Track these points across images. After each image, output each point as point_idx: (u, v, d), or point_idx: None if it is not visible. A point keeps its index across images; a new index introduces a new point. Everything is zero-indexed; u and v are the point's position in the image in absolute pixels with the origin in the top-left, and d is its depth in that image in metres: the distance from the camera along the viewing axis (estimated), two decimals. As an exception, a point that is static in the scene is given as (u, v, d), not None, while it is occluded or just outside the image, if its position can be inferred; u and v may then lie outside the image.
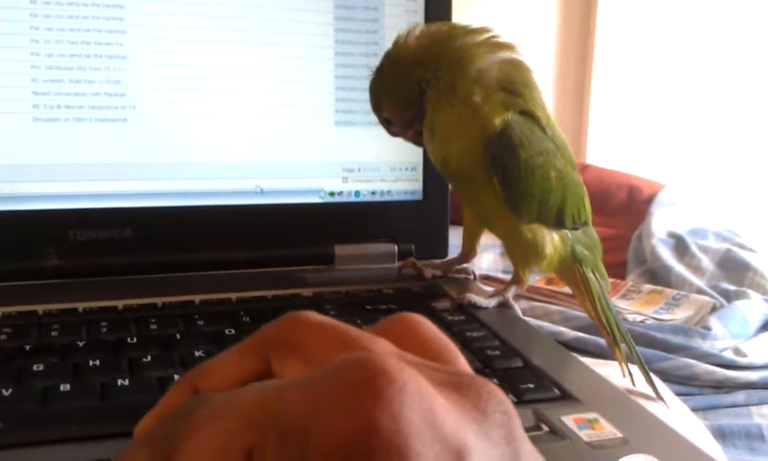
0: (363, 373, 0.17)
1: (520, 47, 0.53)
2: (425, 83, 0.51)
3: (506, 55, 0.52)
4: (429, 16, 0.63)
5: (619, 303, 0.95)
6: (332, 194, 0.63)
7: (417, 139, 0.55)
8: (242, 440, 0.17)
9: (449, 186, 0.62)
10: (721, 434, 0.71)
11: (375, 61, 0.54)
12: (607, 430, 0.35)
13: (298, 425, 0.16)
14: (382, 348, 0.19)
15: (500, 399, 0.18)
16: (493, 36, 0.52)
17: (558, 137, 0.52)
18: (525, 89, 0.51)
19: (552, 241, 0.53)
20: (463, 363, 0.21)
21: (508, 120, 0.50)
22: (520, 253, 0.54)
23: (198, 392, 0.21)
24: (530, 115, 0.51)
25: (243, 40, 0.60)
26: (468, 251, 0.60)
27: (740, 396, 0.77)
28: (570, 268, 0.54)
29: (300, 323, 0.21)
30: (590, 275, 0.54)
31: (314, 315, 0.21)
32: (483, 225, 0.58)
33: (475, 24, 0.53)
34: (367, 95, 0.55)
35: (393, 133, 0.56)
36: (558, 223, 0.52)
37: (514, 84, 0.51)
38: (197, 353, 0.43)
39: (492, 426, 0.18)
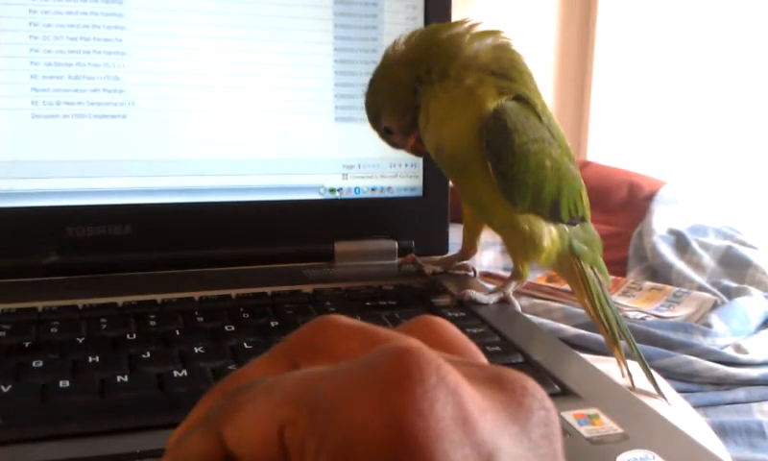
0: (400, 363, 0.16)
1: (506, 33, 0.53)
2: (418, 81, 0.51)
3: (492, 40, 0.52)
4: (428, 11, 0.63)
5: (620, 301, 0.95)
6: (332, 190, 0.63)
7: (418, 146, 0.55)
8: (278, 415, 0.18)
9: (450, 182, 0.62)
10: (722, 431, 0.71)
11: (375, 57, 0.54)
12: (607, 426, 0.35)
13: (327, 409, 0.16)
14: (415, 344, 0.19)
15: (541, 395, 0.18)
16: (476, 24, 0.52)
17: (554, 127, 0.52)
18: (515, 73, 0.51)
19: (550, 234, 0.52)
20: (485, 362, 0.21)
21: (503, 105, 0.49)
22: (518, 245, 0.54)
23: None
24: (525, 102, 0.50)
25: (242, 37, 0.59)
26: (469, 247, 0.60)
27: (741, 393, 0.77)
28: (569, 263, 0.54)
29: (328, 326, 0.21)
30: (589, 271, 0.54)
31: (342, 318, 0.21)
32: (480, 216, 0.57)
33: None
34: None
35: (394, 144, 0.57)
36: (554, 215, 0.52)
37: (504, 68, 0.51)
38: (196, 350, 0.43)
39: (534, 425, 0.17)
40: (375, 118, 0.55)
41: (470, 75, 0.50)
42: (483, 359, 0.21)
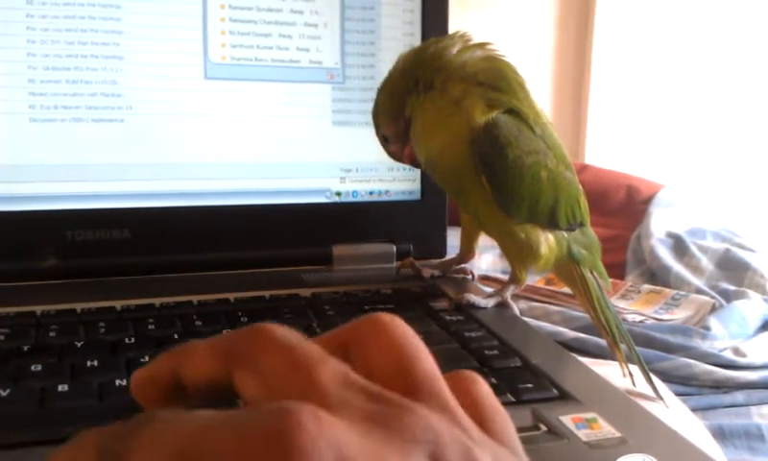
0: (279, 426, 0.17)
1: (496, 44, 0.53)
2: (407, 92, 0.52)
3: (481, 52, 0.52)
4: (426, 16, 0.63)
5: (618, 304, 0.95)
6: (338, 194, 0.63)
7: (413, 157, 0.55)
8: None
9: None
10: (720, 434, 0.71)
11: (372, 61, 0.54)
12: (605, 430, 0.35)
13: None
14: (330, 376, 0.20)
15: (428, 425, 0.19)
16: (467, 37, 0.53)
17: (549, 136, 0.52)
18: (504, 83, 0.51)
19: (547, 241, 0.52)
20: (424, 365, 0.21)
21: (494, 118, 0.50)
22: (515, 253, 0.54)
23: (176, 372, 0.22)
24: (517, 114, 0.51)
25: (240, 42, 0.59)
26: (467, 251, 0.60)
27: (739, 396, 0.77)
28: (568, 268, 0.54)
29: (260, 337, 0.21)
30: (588, 275, 0.54)
31: (277, 331, 0.21)
32: (478, 226, 0.58)
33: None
34: (364, 95, 0.55)
35: (392, 155, 0.57)
36: (551, 223, 0.52)
37: (491, 79, 0.51)
38: (195, 354, 0.43)
39: (422, 456, 0.18)
40: (376, 125, 0.56)
41: (456, 86, 0.51)
42: (423, 359, 0.21)
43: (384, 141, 0.56)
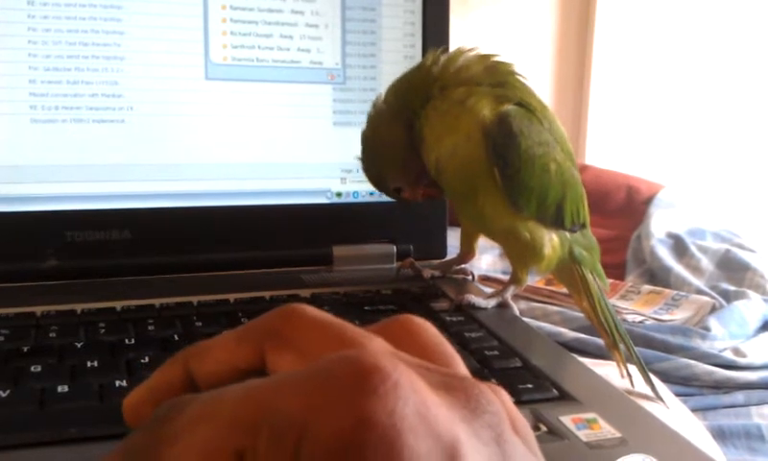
0: (357, 369, 0.17)
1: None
2: (408, 126, 0.52)
3: (473, 57, 0.52)
4: (427, 16, 0.63)
5: (618, 304, 0.95)
6: (339, 194, 0.63)
7: (430, 192, 0.55)
8: (231, 442, 0.16)
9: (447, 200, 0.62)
10: (720, 434, 0.71)
11: (373, 62, 0.54)
12: (605, 430, 0.35)
13: (292, 424, 0.16)
14: (377, 346, 0.19)
15: (490, 399, 0.18)
16: (443, 50, 0.53)
17: (556, 131, 0.52)
18: (506, 80, 0.51)
19: (551, 242, 0.53)
20: (462, 367, 0.21)
21: (507, 110, 0.50)
22: (519, 254, 0.54)
23: (190, 372, 0.21)
24: (526, 107, 0.51)
25: (241, 43, 0.60)
26: (467, 251, 0.60)
27: (739, 396, 0.77)
28: (569, 269, 0.54)
29: (296, 316, 0.20)
30: (589, 276, 0.54)
31: (311, 309, 0.21)
32: (480, 229, 0.57)
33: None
34: (365, 96, 0.55)
35: (406, 202, 0.57)
36: (557, 221, 0.52)
37: (494, 78, 0.51)
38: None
39: (482, 427, 0.18)
40: (382, 184, 0.56)
41: (456, 90, 0.50)
42: (459, 362, 0.21)
43: (397, 193, 0.56)
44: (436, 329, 0.22)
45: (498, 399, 0.19)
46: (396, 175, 0.55)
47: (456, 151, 0.51)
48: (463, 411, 0.18)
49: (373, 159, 0.55)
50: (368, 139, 0.54)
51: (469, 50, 0.53)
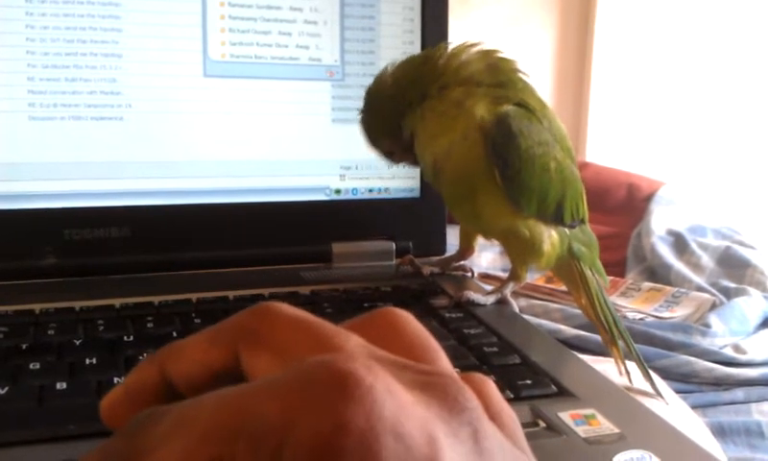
0: (332, 375, 0.16)
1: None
2: (400, 115, 0.52)
3: (475, 53, 0.52)
4: (426, 14, 0.63)
5: (619, 301, 0.95)
6: (338, 191, 0.63)
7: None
8: (208, 451, 0.16)
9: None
10: (720, 431, 0.71)
11: (372, 59, 0.54)
12: (604, 426, 0.35)
13: (270, 430, 0.16)
14: (353, 345, 0.19)
15: (467, 396, 0.18)
16: (452, 43, 0.53)
17: (556, 129, 0.52)
18: (506, 80, 0.51)
19: (550, 238, 0.53)
20: (444, 362, 0.21)
21: (506, 111, 0.50)
22: (518, 251, 0.54)
23: (165, 373, 0.21)
24: (525, 107, 0.51)
25: (239, 40, 0.59)
26: (466, 248, 0.60)
27: (740, 393, 0.77)
28: (568, 266, 0.54)
29: (271, 315, 0.20)
30: (588, 272, 0.54)
31: (287, 308, 0.20)
32: (478, 229, 0.57)
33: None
34: (364, 92, 0.55)
35: (396, 162, 0.57)
36: (557, 218, 0.52)
37: (493, 78, 0.51)
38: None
39: (460, 424, 0.18)
40: (376, 144, 0.56)
41: (454, 90, 0.50)
42: (442, 356, 0.21)
43: (388, 155, 0.56)
44: (418, 323, 0.22)
45: (477, 394, 0.19)
46: (389, 142, 0.55)
47: (454, 152, 0.51)
48: (440, 410, 0.17)
49: (370, 122, 0.55)
50: (369, 103, 0.54)
51: (473, 44, 0.52)
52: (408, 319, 0.21)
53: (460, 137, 0.50)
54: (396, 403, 0.16)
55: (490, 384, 0.21)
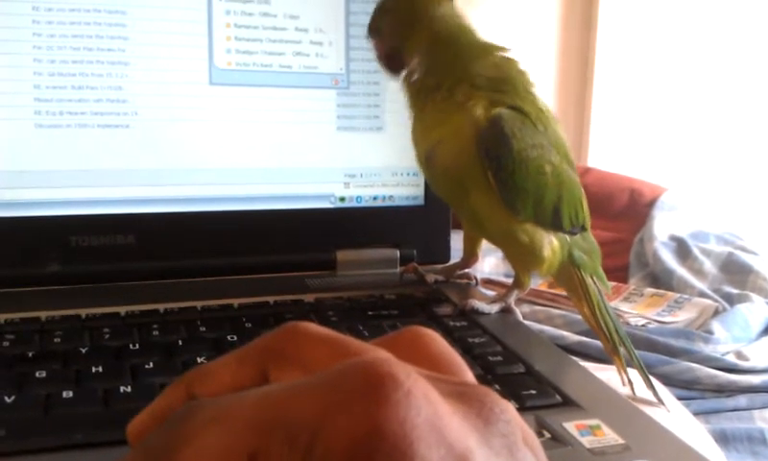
0: (370, 376, 0.17)
1: (514, 48, 0.53)
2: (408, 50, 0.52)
3: (493, 61, 0.52)
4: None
5: (621, 307, 0.95)
6: (342, 199, 0.63)
7: (392, 64, 0.55)
8: (245, 444, 0.17)
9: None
10: (723, 438, 0.71)
11: (377, 67, 0.54)
12: (609, 437, 0.35)
13: (306, 427, 0.16)
14: (385, 355, 0.19)
15: (504, 408, 0.18)
16: (486, 41, 0.53)
17: (553, 134, 0.52)
18: (507, 86, 0.51)
19: (550, 244, 0.53)
20: (471, 379, 0.21)
21: (499, 113, 0.50)
22: (519, 257, 0.54)
23: (193, 396, 0.21)
24: (519, 111, 0.51)
25: (245, 48, 0.60)
26: (470, 256, 0.60)
27: (742, 399, 0.77)
28: (569, 273, 0.54)
29: (299, 334, 0.20)
30: (589, 280, 0.54)
31: (314, 326, 0.21)
32: (479, 232, 0.57)
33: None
34: (369, 101, 0.55)
35: (377, 59, 0.56)
36: (555, 223, 0.52)
37: (498, 82, 0.51)
38: (199, 360, 0.43)
39: (495, 436, 0.18)
40: (374, 32, 0.55)
41: (461, 90, 0.51)
42: (469, 374, 0.21)
43: (377, 52, 0.55)
44: (444, 341, 0.22)
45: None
46: (385, 42, 0.55)
47: (446, 147, 0.51)
48: (476, 420, 0.18)
49: (384, 15, 0.54)
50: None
51: (501, 49, 0.53)
52: (434, 337, 0.22)
53: (452, 133, 0.50)
54: (433, 410, 0.17)
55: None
